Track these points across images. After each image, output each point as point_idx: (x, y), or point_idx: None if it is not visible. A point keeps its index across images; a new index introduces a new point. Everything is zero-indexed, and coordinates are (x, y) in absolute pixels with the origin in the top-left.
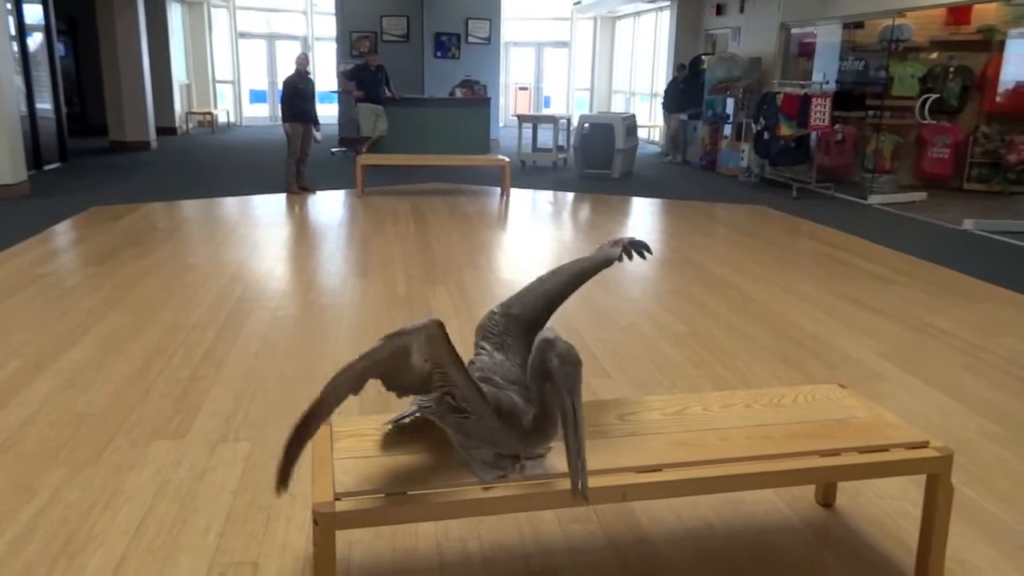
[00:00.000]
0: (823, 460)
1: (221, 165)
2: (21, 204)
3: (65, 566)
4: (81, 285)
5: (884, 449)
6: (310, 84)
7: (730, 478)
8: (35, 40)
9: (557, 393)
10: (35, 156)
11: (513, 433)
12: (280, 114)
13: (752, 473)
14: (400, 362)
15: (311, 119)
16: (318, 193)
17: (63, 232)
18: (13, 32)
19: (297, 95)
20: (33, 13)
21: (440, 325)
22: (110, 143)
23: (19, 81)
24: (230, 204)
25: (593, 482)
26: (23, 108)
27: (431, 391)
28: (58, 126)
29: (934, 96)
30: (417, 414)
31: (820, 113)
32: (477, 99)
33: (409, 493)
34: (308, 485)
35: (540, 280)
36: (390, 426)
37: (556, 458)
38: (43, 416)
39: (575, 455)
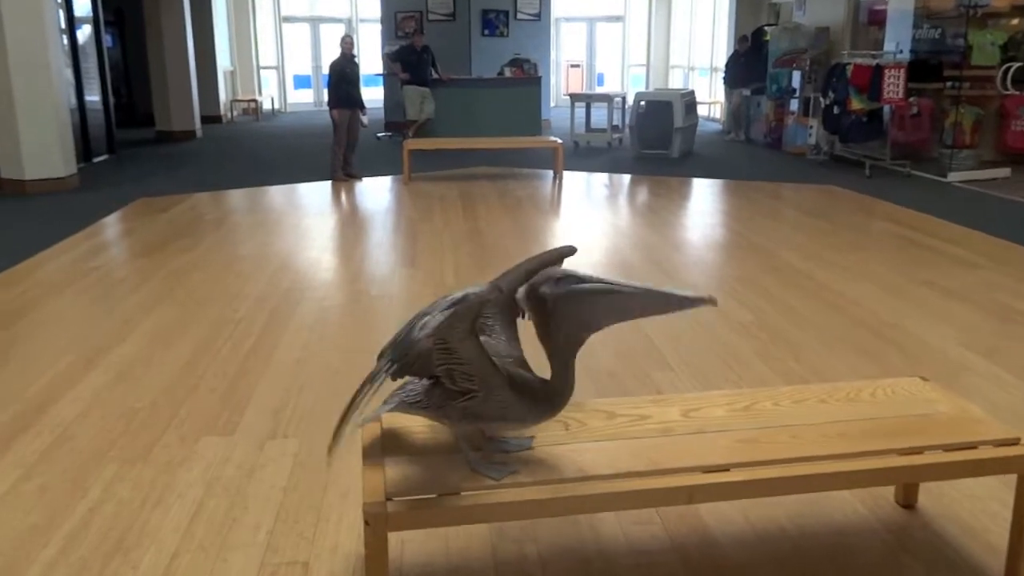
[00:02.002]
0: (904, 459)
1: (266, 153)
2: (71, 197)
3: (119, 562)
4: (130, 278)
5: (971, 447)
6: (356, 68)
7: (803, 478)
8: (84, 32)
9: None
10: (84, 148)
11: (527, 401)
12: (326, 100)
13: (827, 473)
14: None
15: (357, 104)
16: (364, 180)
17: (112, 224)
18: (63, 25)
19: (344, 79)
20: (82, 6)
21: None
22: (156, 133)
23: (69, 74)
24: (276, 193)
25: (656, 483)
26: (73, 101)
27: (430, 371)
28: (106, 118)
29: (1017, 65)
30: (392, 410)
31: (894, 85)
32: (527, 78)
33: (463, 493)
34: (359, 484)
35: (516, 265)
36: (359, 425)
37: (615, 458)
38: (95, 411)
39: (664, 291)
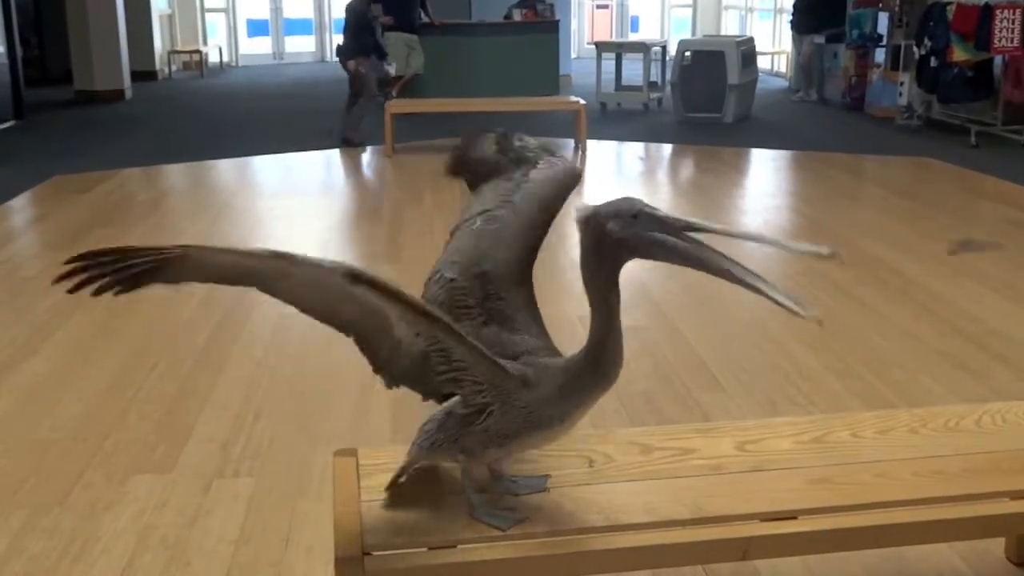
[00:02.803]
0: (1017, 504)
1: (214, 118)
2: None
3: None
4: (42, 276)
5: None
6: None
7: (890, 529)
8: None
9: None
10: None
11: (562, 387)
12: (338, 50)
13: (920, 522)
14: (373, 322)
15: (377, 52)
16: (336, 152)
17: (19, 209)
18: None
19: (364, 26)
20: None
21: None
22: (75, 93)
23: None
24: (225, 168)
25: (703, 534)
26: None
27: (434, 382)
28: (12, 75)
29: None
30: (411, 463)
31: (1008, 30)
32: (541, 23)
33: (460, 546)
34: (328, 534)
35: (490, 221)
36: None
37: (652, 502)
38: None
39: (755, 281)
